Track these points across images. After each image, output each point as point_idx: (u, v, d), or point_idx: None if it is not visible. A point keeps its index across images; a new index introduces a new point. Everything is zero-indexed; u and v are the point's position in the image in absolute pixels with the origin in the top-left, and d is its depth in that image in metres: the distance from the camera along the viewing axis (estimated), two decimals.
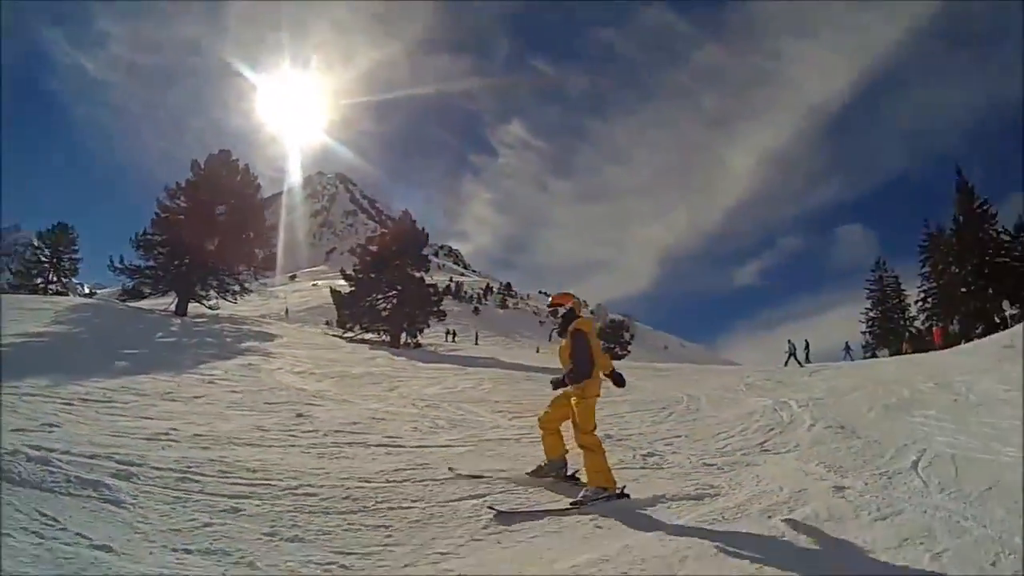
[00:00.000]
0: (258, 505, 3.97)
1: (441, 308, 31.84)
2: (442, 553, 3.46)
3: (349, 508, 4.11)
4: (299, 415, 7.65)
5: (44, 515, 3.35)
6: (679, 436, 7.52)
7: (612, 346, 46.73)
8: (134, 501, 3.78)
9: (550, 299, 5.36)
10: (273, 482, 4.46)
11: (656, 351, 75.50)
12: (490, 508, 4.33)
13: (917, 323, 42.68)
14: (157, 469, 4.45)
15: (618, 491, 4.67)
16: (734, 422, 8.49)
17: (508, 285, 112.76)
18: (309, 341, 22.10)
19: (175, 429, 5.98)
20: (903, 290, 45.79)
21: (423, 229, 33.29)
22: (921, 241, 41.83)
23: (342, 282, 32.21)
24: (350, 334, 28.28)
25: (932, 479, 5.18)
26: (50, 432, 5.39)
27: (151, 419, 6.55)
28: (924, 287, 41.58)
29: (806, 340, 27.49)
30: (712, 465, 5.96)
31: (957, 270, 38.19)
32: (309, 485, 4.46)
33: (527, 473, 5.28)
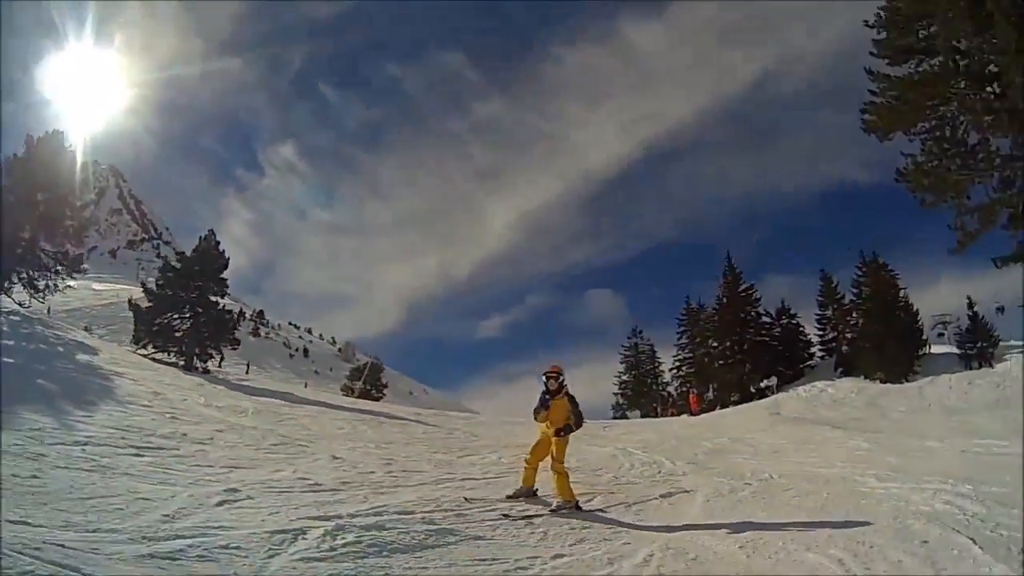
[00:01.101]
0: None
1: (235, 336, 33.84)
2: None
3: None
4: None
5: None
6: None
7: (369, 388, 48.59)
8: None
9: (551, 368, 8.13)
10: None
11: (403, 395, 79.06)
12: (504, 516, 7.10)
13: (670, 388, 50.04)
14: None
15: (576, 503, 7.74)
16: (611, 464, 12.13)
17: (261, 312, 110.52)
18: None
19: None
20: (658, 358, 52.15)
21: (223, 252, 34.21)
22: (680, 314, 49.57)
23: (98, 287, 33.36)
24: (143, 351, 28.98)
25: (790, 483, 9.42)
26: None
27: None
28: (680, 356, 48.75)
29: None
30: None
31: (716, 344, 45.33)
32: None
33: (507, 496, 7.97)
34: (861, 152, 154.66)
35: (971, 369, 33.00)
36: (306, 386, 49.07)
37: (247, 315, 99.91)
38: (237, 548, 4.96)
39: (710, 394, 43.99)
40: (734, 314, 44.73)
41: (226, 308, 33.96)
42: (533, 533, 6.52)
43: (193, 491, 6.76)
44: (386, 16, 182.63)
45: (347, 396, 41.65)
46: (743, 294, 45.90)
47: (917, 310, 37.92)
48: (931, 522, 6.45)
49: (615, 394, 52.19)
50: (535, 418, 8.07)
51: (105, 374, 15.77)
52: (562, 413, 7.91)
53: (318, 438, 12.63)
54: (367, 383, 49.04)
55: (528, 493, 8.02)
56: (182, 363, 29.06)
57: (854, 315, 41.14)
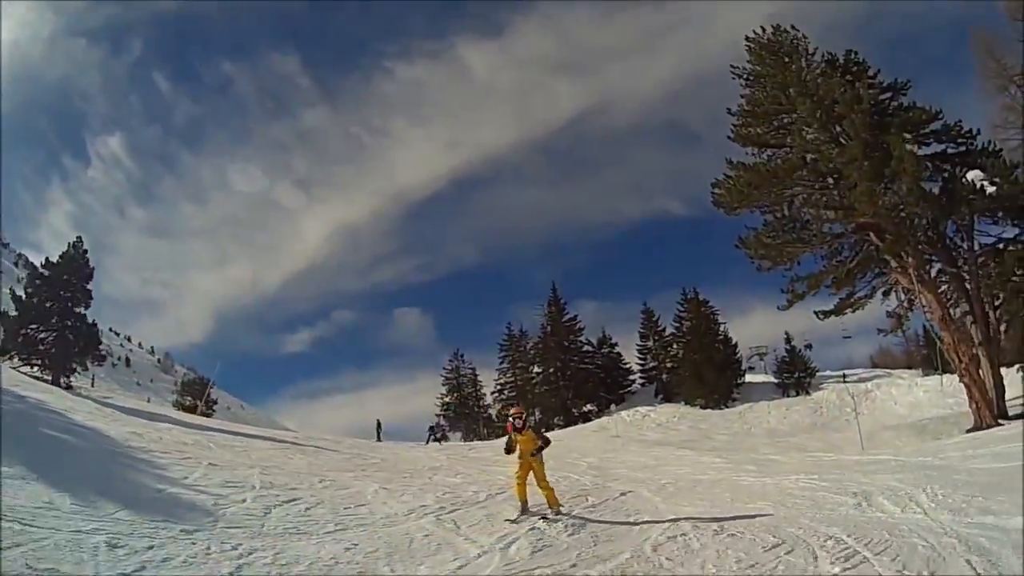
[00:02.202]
0: None
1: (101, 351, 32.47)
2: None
3: None
4: None
5: None
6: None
7: (196, 404, 47.16)
8: None
9: (513, 410, 9.88)
10: None
11: (223, 411, 75.82)
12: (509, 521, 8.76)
13: (491, 411, 51.88)
14: None
15: (562, 509, 9.24)
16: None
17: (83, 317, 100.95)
18: None
19: None
20: (479, 381, 53.95)
21: (88, 262, 32.65)
22: (502, 339, 51.87)
23: None
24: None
25: (690, 484, 11.86)
26: None
27: None
28: (501, 380, 51.04)
29: (378, 420, 34.54)
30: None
31: (540, 370, 48.93)
32: None
33: (519, 515, 9.03)
34: (676, 187, 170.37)
35: (788, 396, 38.65)
36: (148, 400, 46.15)
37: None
38: None
39: (535, 417, 46.90)
40: (558, 342, 48.61)
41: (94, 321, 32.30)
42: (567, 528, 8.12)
43: None
44: (228, 9, 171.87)
45: (188, 413, 40.22)
46: (567, 323, 49.90)
47: (736, 343, 43.52)
48: (802, 492, 9.88)
49: (437, 415, 52.32)
50: (507, 453, 9.69)
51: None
52: (530, 443, 9.37)
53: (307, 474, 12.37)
54: (204, 399, 47.44)
55: (525, 509, 9.28)
56: (48, 378, 27.81)
57: (675, 346, 46.12)
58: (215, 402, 49.74)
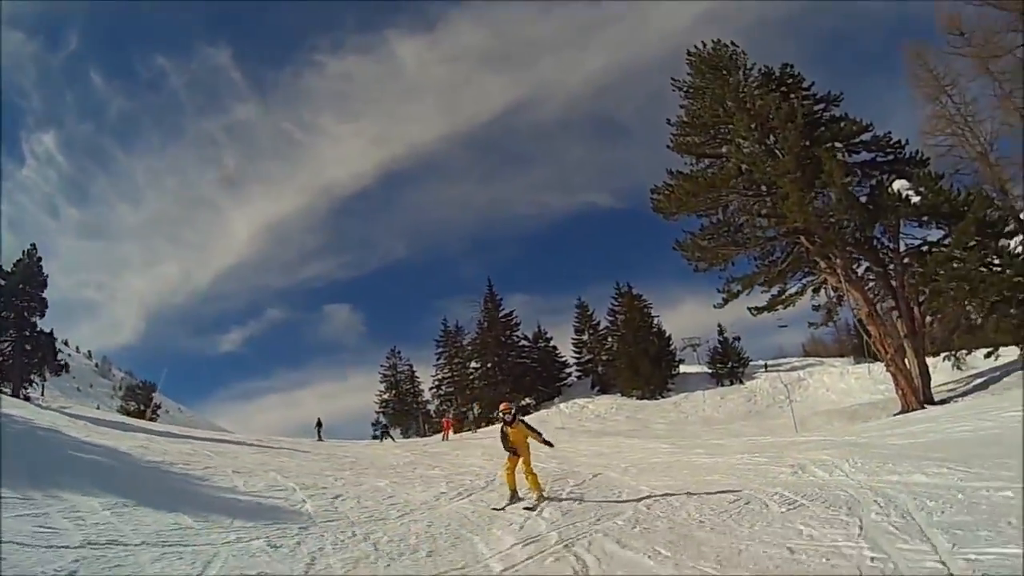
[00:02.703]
0: None
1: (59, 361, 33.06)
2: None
3: None
4: None
5: None
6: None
7: (142, 408, 47.52)
8: None
9: (502, 406, 10.71)
10: None
11: (162, 413, 75.36)
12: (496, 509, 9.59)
13: (430, 407, 53.92)
14: None
15: (544, 493, 9.97)
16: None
17: None
18: None
19: None
20: (417, 377, 56.25)
21: (42, 270, 33.09)
22: (438, 336, 54.45)
23: None
24: None
25: (655, 466, 13.76)
26: None
27: None
28: (438, 376, 54.08)
29: (319, 419, 34.34)
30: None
31: (478, 365, 51.10)
32: None
33: (507, 502, 9.81)
34: (604, 180, 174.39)
35: (723, 386, 41.45)
36: (98, 407, 46.74)
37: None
38: None
39: (474, 411, 49.38)
40: (495, 337, 50.89)
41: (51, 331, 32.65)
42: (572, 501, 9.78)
43: None
44: (160, 2, 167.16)
45: (136, 418, 40.37)
46: (503, 319, 52.34)
47: (669, 335, 46.13)
48: (747, 467, 11.49)
49: (377, 412, 54.92)
50: (506, 449, 10.24)
51: None
52: (521, 434, 10.20)
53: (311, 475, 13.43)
54: (151, 406, 48.02)
55: (514, 496, 10.08)
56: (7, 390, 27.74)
57: (610, 340, 48.84)
58: (159, 406, 51.89)
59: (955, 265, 24.04)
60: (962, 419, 16.17)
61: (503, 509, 9.61)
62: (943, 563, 4.86)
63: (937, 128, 28.48)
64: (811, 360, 45.88)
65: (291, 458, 16.85)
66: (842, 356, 46.90)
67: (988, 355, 27.65)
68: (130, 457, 13.62)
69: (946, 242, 25.47)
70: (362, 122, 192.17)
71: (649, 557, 6.18)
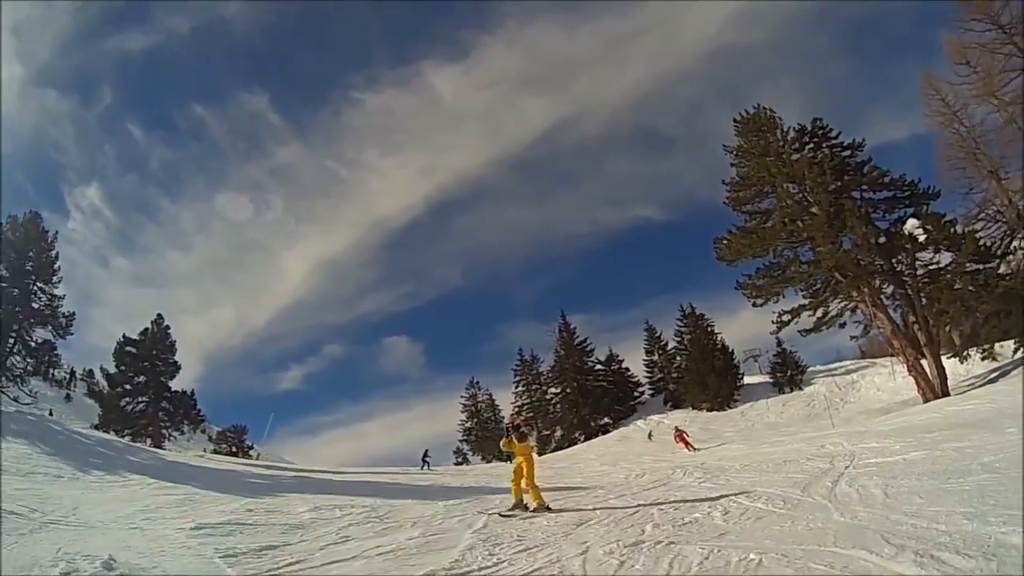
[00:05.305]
0: None
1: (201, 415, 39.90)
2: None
3: None
4: None
5: None
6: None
7: (233, 450, 56.28)
8: None
9: (511, 415, 13.74)
10: None
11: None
12: (501, 515, 11.07)
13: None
14: None
15: (547, 506, 11.04)
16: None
17: (91, 372, 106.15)
18: None
19: None
20: (497, 405, 63.48)
21: (170, 335, 39.94)
22: (515, 365, 61.61)
23: None
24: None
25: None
26: None
27: None
28: (518, 403, 59.65)
29: (426, 450, 41.98)
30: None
31: (557, 390, 58.40)
32: None
33: (509, 509, 11.18)
34: (652, 193, 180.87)
35: (783, 393, 47.33)
36: (205, 452, 52.60)
37: (77, 374, 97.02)
38: None
39: (559, 433, 56.48)
40: (572, 364, 57.90)
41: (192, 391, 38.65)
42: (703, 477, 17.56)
43: None
44: (193, 53, 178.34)
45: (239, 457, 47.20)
46: (578, 346, 59.31)
47: (732, 350, 52.50)
48: (802, 446, 19.07)
49: (461, 440, 62.80)
50: (510, 460, 12.04)
51: None
52: (527, 449, 11.63)
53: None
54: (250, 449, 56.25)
55: (519, 505, 11.11)
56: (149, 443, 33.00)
57: (678, 358, 55.90)
58: (251, 447, 59.06)
59: (956, 287, 31.19)
60: (948, 407, 22.53)
61: (505, 515, 11.00)
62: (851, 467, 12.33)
63: (951, 155, 33.62)
64: (864, 363, 50.56)
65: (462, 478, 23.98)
66: (893, 356, 52.44)
67: (984, 357, 35.42)
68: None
69: (950, 267, 32.33)
70: (406, 154, 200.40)
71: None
